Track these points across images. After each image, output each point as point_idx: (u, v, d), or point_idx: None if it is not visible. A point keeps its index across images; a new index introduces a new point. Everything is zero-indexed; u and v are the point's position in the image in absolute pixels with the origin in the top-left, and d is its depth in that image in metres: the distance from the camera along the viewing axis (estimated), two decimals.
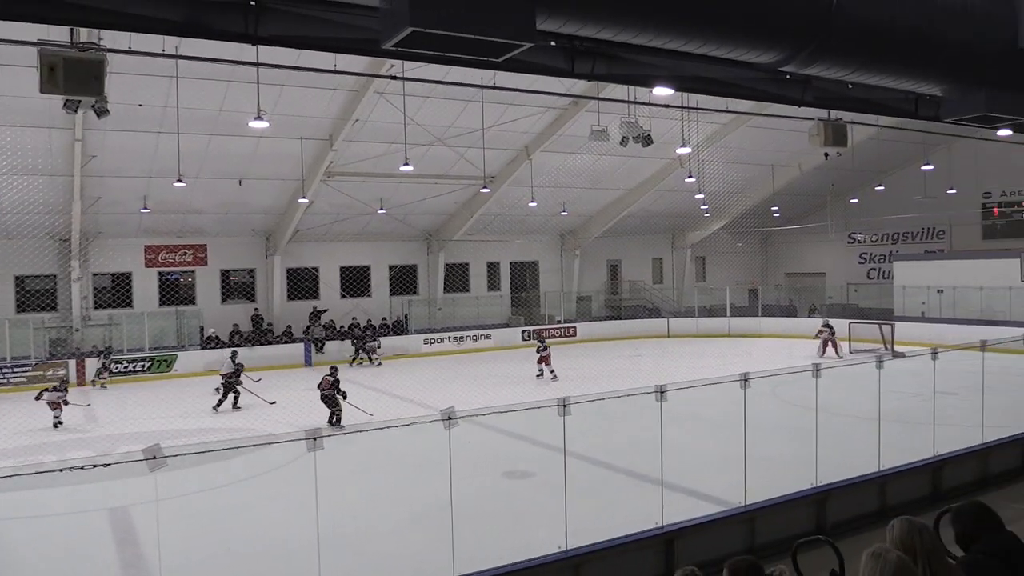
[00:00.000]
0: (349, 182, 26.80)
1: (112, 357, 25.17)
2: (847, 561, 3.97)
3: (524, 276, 37.32)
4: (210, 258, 29.77)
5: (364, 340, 28.81)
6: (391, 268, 33.42)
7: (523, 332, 33.18)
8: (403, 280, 33.64)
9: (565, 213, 33.33)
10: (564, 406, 7.70)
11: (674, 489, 9.00)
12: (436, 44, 5.08)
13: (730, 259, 40.89)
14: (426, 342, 31.18)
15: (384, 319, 31.82)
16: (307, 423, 8.47)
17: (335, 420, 16.97)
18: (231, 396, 19.87)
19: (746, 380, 9.02)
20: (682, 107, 18.72)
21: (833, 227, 36.58)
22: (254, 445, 8.52)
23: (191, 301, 29.64)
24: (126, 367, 25.51)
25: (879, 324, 27.75)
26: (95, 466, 7.26)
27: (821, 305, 36.10)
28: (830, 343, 26.97)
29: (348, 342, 28.91)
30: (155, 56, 12.16)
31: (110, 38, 10.28)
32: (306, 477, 6.79)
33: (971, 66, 7.27)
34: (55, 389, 18.27)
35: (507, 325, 34.71)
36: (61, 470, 7.82)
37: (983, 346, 12.16)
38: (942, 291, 30.87)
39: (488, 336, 32.49)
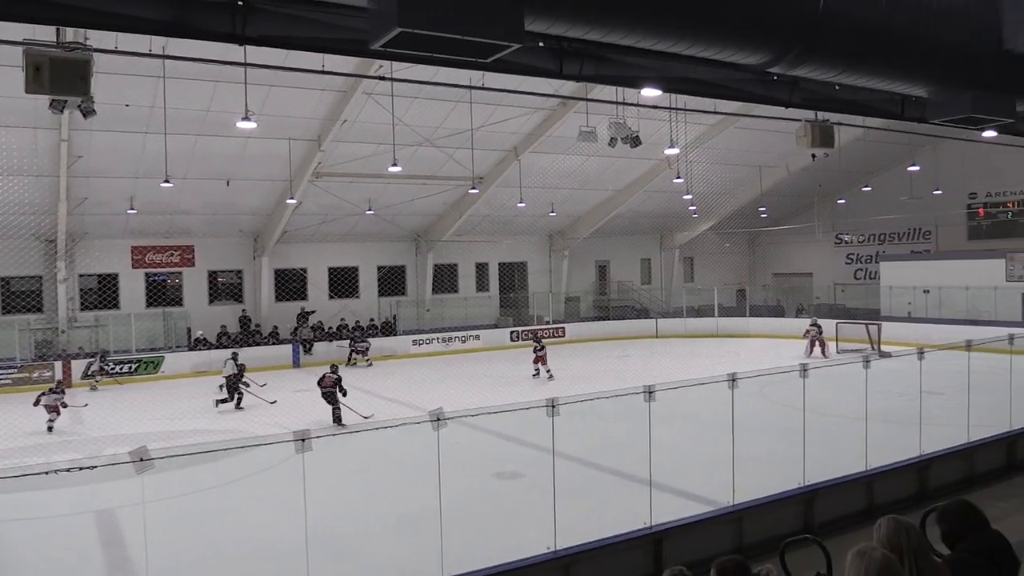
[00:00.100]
0: (337, 183, 26.75)
1: (108, 359, 25.14)
2: (834, 560, 3.99)
3: (513, 277, 37.33)
4: (197, 259, 29.63)
5: (355, 340, 28.79)
6: (379, 269, 33.36)
7: (512, 333, 33.23)
8: (391, 281, 33.58)
9: (554, 214, 33.36)
10: (553, 407, 7.71)
11: (663, 489, 9.02)
12: (424, 45, 5.07)
13: (718, 260, 41.02)
14: (415, 343, 31.13)
15: (372, 320, 31.75)
16: (298, 424, 8.44)
17: (336, 418, 17.16)
18: (235, 396, 20.00)
19: (734, 380, 9.06)
20: (670, 108, 18.75)
21: (820, 228, 36.72)
22: (242, 447, 8.49)
23: (178, 302, 29.49)
24: (112, 368, 25.38)
25: (866, 324, 27.90)
26: (81, 468, 7.23)
27: (808, 305, 36.28)
28: (817, 343, 27.11)
29: (335, 343, 28.82)
30: (142, 56, 12.07)
31: (96, 38, 10.22)
32: (294, 479, 6.77)
33: (957, 68, 7.32)
34: (51, 392, 18.06)
35: (496, 326, 34.69)
36: (47, 473, 7.78)
37: (969, 346, 12.24)
38: (928, 291, 31.06)
39: (477, 337, 32.47)
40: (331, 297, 31.95)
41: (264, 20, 5.98)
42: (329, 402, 17.32)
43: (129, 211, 25.42)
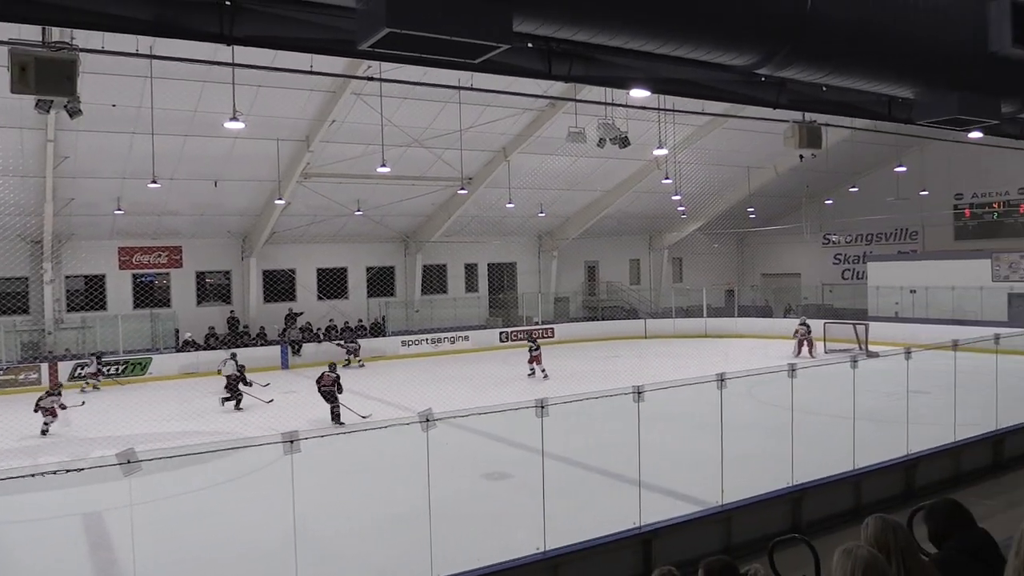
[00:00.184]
0: (326, 183, 26.68)
1: (105, 359, 25.09)
2: (823, 560, 4.00)
3: (502, 277, 37.32)
4: (185, 260, 29.48)
5: (346, 341, 28.73)
6: (368, 270, 33.29)
7: (501, 334, 33.24)
8: (380, 282, 33.52)
9: (543, 214, 33.38)
10: (542, 407, 7.71)
11: (652, 489, 9.04)
12: (413, 45, 5.07)
13: (707, 260, 41.11)
14: (404, 344, 31.08)
15: (360, 321, 31.67)
16: (289, 426, 8.41)
17: (335, 416, 17.29)
18: (236, 396, 20.10)
19: (723, 380, 9.09)
20: (659, 109, 18.80)
21: (808, 228, 36.88)
22: (230, 448, 8.46)
23: (166, 303, 29.33)
24: (109, 370, 25.28)
25: (853, 324, 28.04)
26: (68, 471, 7.18)
27: (797, 305, 36.45)
28: (805, 343, 27.23)
29: (335, 344, 28.74)
30: (129, 56, 12.01)
31: (83, 37, 10.18)
32: (283, 480, 6.75)
33: (943, 69, 7.37)
34: (49, 394, 17.87)
35: (485, 327, 34.67)
36: (34, 475, 7.72)
37: (955, 346, 12.32)
38: (915, 291, 31.23)
39: (466, 338, 32.43)
40: (320, 298, 31.87)
41: (252, 20, 5.95)
42: (328, 400, 17.49)
43: (116, 212, 25.28)
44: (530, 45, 6.70)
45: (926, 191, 32.64)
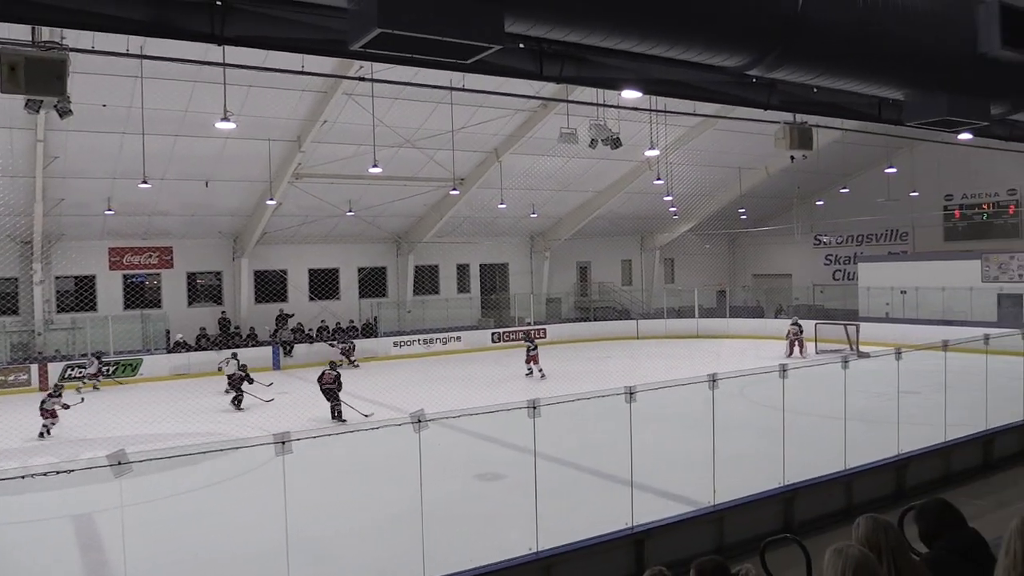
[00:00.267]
0: (317, 184, 26.63)
1: (105, 359, 25.05)
2: (814, 559, 4.01)
3: (494, 278, 37.32)
4: (176, 260, 29.38)
5: (340, 341, 28.69)
6: (360, 270, 33.24)
7: (493, 334, 33.25)
8: (372, 282, 33.46)
9: (535, 215, 33.39)
10: (534, 408, 7.71)
11: (644, 490, 9.04)
12: (404, 46, 5.07)
13: (698, 261, 41.17)
14: (396, 345, 31.04)
15: (352, 322, 31.62)
16: (283, 426, 8.41)
17: (336, 414, 17.42)
18: (237, 396, 20.14)
19: (714, 381, 9.11)
20: (650, 110, 18.81)
21: (799, 229, 37.01)
22: (222, 450, 8.43)
23: (157, 304, 29.23)
24: (109, 371, 25.23)
25: (844, 325, 28.16)
26: (59, 473, 7.15)
27: (788, 306, 36.54)
28: (796, 343, 27.32)
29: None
30: (119, 56, 11.96)
31: (73, 37, 10.13)
32: (276, 481, 6.73)
33: (933, 71, 7.41)
34: (51, 396, 17.76)
35: (477, 327, 34.66)
36: (23, 477, 7.69)
37: (945, 346, 12.38)
38: (905, 292, 31.36)
39: (458, 338, 32.42)
40: (311, 299, 31.79)
41: (243, 20, 5.94)
42: (329, 399, 17.59)
43: (106, 212, 25.19)
44: (522, 46, 6.72)
45: (916, 192, 32.77)
